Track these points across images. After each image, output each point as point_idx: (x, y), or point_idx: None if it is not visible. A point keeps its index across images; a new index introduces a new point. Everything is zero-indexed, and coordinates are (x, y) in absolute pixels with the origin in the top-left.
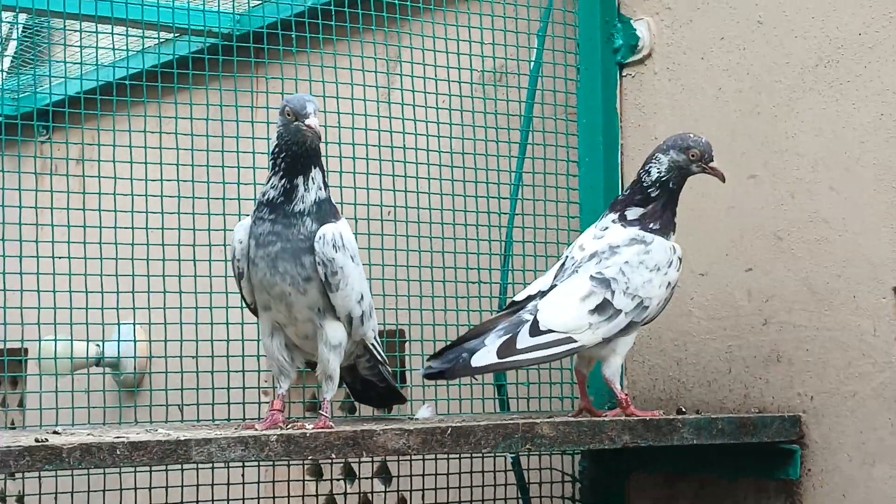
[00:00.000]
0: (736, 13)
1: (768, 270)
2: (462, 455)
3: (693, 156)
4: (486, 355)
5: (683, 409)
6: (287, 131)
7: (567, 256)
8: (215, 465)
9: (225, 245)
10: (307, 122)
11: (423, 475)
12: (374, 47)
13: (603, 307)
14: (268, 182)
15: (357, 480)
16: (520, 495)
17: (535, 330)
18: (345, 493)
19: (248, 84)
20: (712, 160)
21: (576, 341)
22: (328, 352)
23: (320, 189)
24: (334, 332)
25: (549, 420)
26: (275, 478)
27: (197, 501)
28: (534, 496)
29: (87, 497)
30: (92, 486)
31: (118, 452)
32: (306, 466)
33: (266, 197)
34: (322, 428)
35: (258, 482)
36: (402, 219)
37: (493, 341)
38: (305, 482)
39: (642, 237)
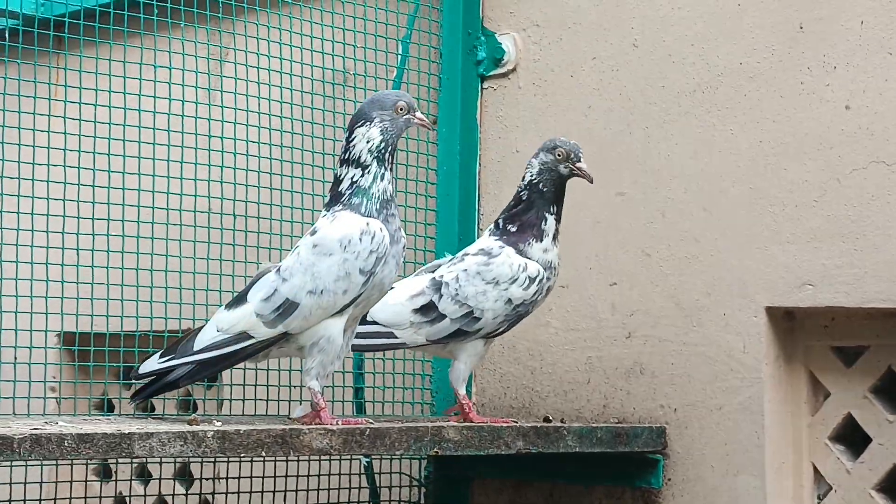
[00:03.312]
0: (609, 35)
1: (634, 285)
2: (311, 459)
3: (559, 155)
4: None
5: (550, 417)
6: (394, 126)
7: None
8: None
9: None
10: (418, 115)
11: (273, 477)
12: (196, 46)
13: (428, 308)
14: (377, 180)
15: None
16: (371, 499)
17: (363, 319)
18: (144, 496)
19: (46, 74)
20: (580, 160)
21: (396, 337)
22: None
23: None
24: None
25: (454, 424)
26: (58, 478)
27: None
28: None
29: None
30: None
31: (66, 444)
32: (90, 467)
33: (387, 193)
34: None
35: (41, 482)
36: (250, 228)
37: None
38: (88, 483)
39: (489, 249)
